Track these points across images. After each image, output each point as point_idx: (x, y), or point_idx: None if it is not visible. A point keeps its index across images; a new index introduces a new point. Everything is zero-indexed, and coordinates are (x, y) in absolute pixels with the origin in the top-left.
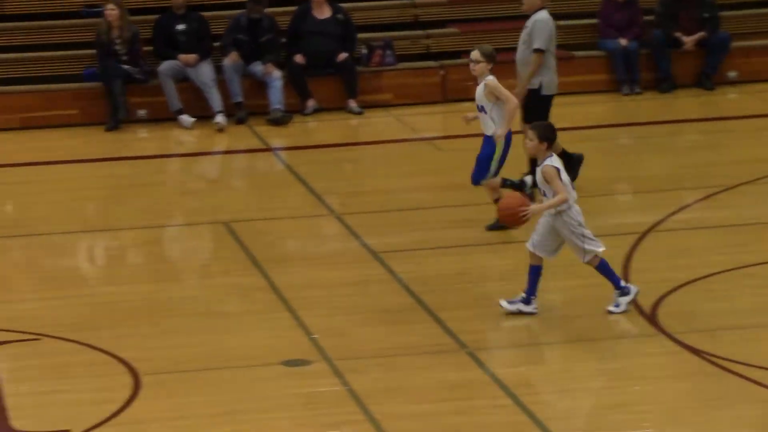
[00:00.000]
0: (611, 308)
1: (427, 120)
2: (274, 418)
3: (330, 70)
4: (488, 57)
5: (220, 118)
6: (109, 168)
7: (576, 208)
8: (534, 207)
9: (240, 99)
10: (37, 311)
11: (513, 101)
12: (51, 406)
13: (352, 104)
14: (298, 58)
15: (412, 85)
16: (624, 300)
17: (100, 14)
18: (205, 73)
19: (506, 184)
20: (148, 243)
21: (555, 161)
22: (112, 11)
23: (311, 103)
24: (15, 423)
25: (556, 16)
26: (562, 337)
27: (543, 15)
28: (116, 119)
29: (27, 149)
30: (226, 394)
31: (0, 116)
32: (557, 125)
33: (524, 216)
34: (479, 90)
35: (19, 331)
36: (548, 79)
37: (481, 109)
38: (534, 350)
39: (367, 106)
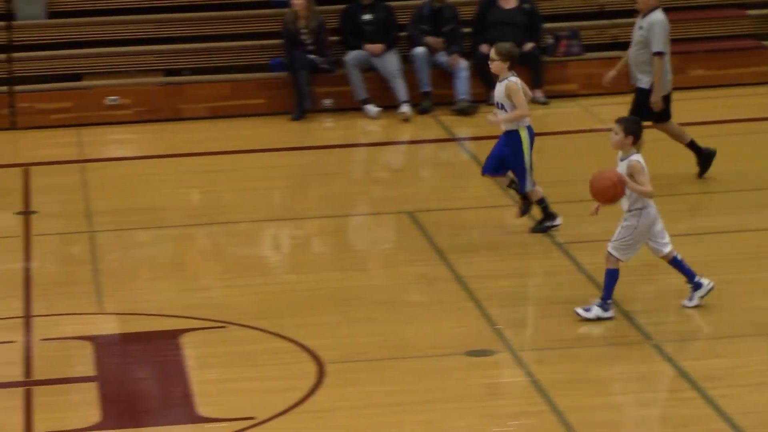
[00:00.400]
0: (580, 310)
1: (614, 110)
2: (459, 408)
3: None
4: (503, 55)
5: (405, 108)
6: (294, 157)
7: (652, 210)
8: (629, 182)
9: (428, 89)
10: (223, 299)
11: (524, 112)
12: (236, 393)
13: (538, 94)
14: (484, 48)
15: (598, 75)
16: (597, 312)
17: (287, 4)
18: (391, 62)
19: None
20: (332, 232)
21: (641, 158)
22: (298, 1)
23: None
24: (200, 410)
25: (746, 5)
26: (748, 330)
27: (659, 16)
28: (302, 109)
29: (215, 138)
30: (410, 383)
31: (189, 105)
32: (741, 116)
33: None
34: (499, 88)
35: (205, 318)
36: (662, 79)
37: (501, 107)
38: (720, 343)
39: (552, 96)
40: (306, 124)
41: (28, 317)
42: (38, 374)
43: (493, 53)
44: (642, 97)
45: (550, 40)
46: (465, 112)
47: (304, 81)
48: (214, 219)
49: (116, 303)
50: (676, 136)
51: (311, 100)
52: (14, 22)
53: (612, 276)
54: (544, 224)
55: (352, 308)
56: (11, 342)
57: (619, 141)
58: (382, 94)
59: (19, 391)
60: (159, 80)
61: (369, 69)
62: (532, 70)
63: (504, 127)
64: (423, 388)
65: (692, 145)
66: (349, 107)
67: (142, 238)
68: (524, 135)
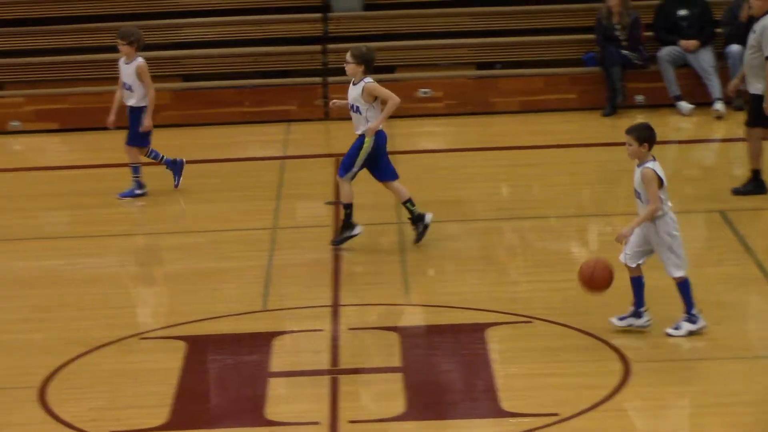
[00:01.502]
0: (671, 330)
1: None
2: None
3: None
4: (358, 58)
5: (719, 105)
6: (604, 153)
7: (671, 216)
8: (625, 229)
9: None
10: (529, 294)
11: (395, 99)
12: (540, 389)
13: None
14: None
15: None
16: (687, 327)
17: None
18: (705, 59)
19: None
20: None
21: (657, 166)
22: None
23: None
24: (504, 404)
25: None
26: None
27: None
28: (613, 104)
29: (526, 132)
30: (716, 385)
31: (501, 99)
32: None
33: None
34: (354, 91)
35: (511, 313)
36: None
37: (356, 109)
38: None
39: None
40: (617, 119)
41: (336, 306)
42: (344, 363)
43: (347, 56)
44: (756, 102)
45: None
46: None
47: (616, 77)
48: (522, 213)
49: (422, 295)
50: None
51: (623, 96)
52: (330, 14)
53: (682, 287)
54: (344, 234)
55: (659, 307)
56: (319, 330)
57: (634, 151)
58: (695, 90)
59: (326, 379)
60: (471, 73)
61: (683, 65)
62: None
63: (358, 132)
64: (729, 390)
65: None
66: (662, 103)
67: (449, 230)
68: (369, 142)
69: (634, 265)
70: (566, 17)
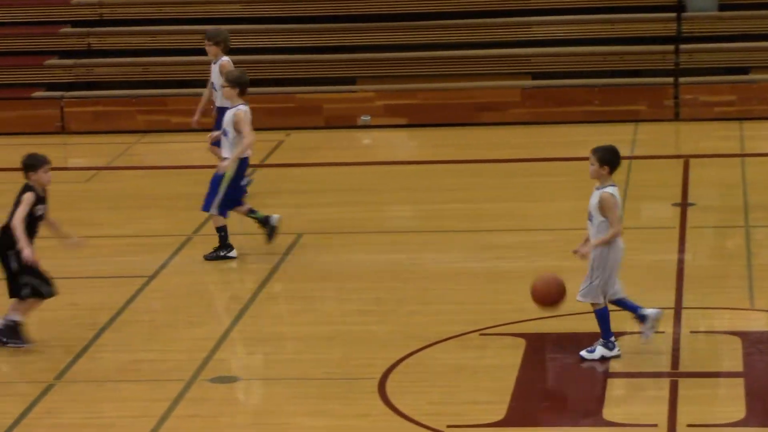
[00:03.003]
0: (584, 353)
1: None
2: None
3: None
4: (232, 82)
5: None
6: None
7: (621, 243)
8: (584, 249)
9: None
10: None
11: (250, 139)
12: None
13: None
14: None
15: None
16: (601, 352)
17: None
18: None
19: (253, 215)
20: None
21: (616, 191)
22: None
23: None
24: None
25: None
26: None
27: None
28: None
29: None
30: None
31: None
32: None
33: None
34: (228, 115)
35: None
36: None
37: (225, 133)
38: None
39: None
40: None
41: (678, 309)
42: (685, 366)
43: (223, 80)
44: None
45: None
46: None
47: None
48: None
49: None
50: None
51: None
52: (685, 14)
53: (599, 315)
54: (219, 253)
55: None
56: (662, 332)
57: (595, 171)
58: None
59: (666, 382)
60: None
61: None
62: None
63: (224, 153)
64: None
65: None
66: None
67: None
68: (233, 166)
69: (610, 296)
70: None
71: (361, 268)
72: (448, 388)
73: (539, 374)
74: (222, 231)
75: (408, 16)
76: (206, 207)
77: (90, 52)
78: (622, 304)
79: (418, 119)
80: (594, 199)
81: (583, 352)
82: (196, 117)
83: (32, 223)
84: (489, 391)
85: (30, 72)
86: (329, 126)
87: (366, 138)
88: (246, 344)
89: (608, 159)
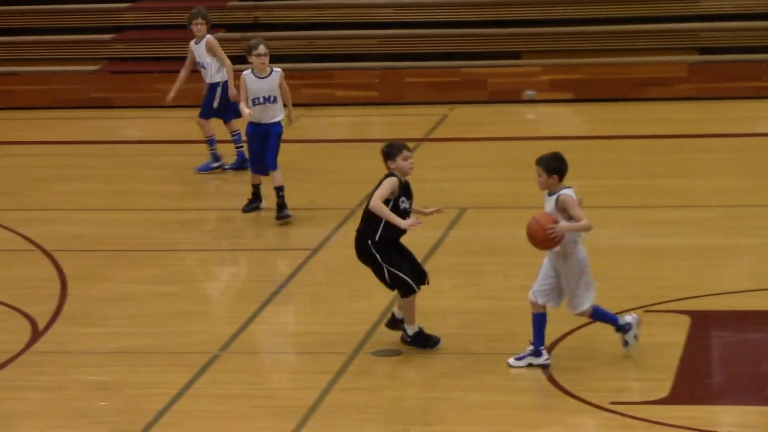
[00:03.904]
0: (512, 360)
1: None
2: None
3: None
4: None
5: None
6: None
7: (583, 249)
8: (562, 225)
9: None
10: None
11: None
12: None
13: None
14: None
15: None
16: (530, 360)
17: None
18: None
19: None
20: None
21: (572, 191)
22: None
23: None
24: None
25: None
26: None
27: None
28: None
29: None
30: None
31: None
32: None
33: (552, 236)
34: (273, 80)
35: None
36: None
37: (274, 99)
38: None
39: None
40: None
41: None
42: None
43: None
44: None
45: None
46: None
47: None
48: None
49: None
50: None
51: None
52: None
53: (536, 319)
54: (286, 211)
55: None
56: None
57: (543, 182)
58: None
59: None
60: None
61: None
62: None
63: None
64: None
65: None
66: None
67: None
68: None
69: (541, 302)
70: None
71: (524, 242)
72: (611, 364)
73: (704, 352)
74: (282, 190)
75: None
76: (273, 165)
77: (256, 26)
78: (536, 320)
79: (583, 94)
80: (550, 205)
81: (510, 360)
82: (171, 94)
83: (397, 213)
84: (653, 369)
85: None
86: (493, 100)
87: (530, 113)
88: None
89: (555, 168)
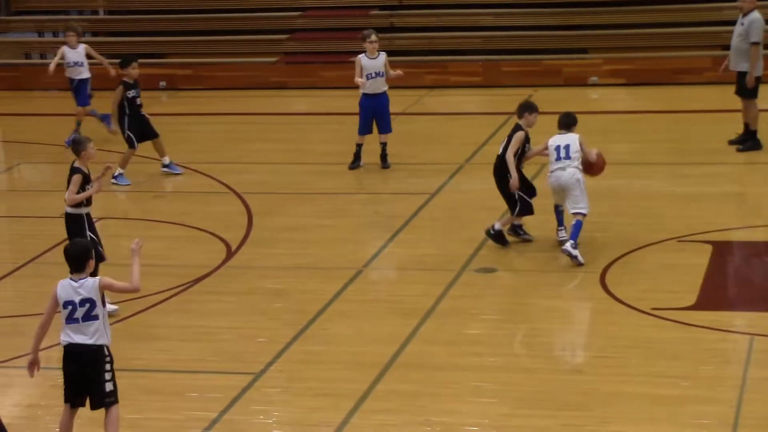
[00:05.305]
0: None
1: None
2: None
3: None
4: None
5: None
6: None
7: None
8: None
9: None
10: None
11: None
12: None
13: None
14: None
15: None
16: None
17: None
18: None
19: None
20: None
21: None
22: None
23: None
24: None
25: None
26: None
27: (756, 15)
28: None
29: None
30: None
31: None
32: None
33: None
34: (381, 59)
35: None
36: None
37: (382, 74)
38: None
39: None
40: None
41: None
42: None
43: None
44: (744, 78)
45: None
46: None
47: None
48: None
49: None
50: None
51: None
52: None
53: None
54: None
55: None
56: None
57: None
58: None
59: None
60: None
61: None
62: None
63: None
64: None
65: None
66: None
67: None
68: None
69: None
70: None
71: (589, 190)
72: (653, 281)
73: (724, 270)
74: (386, 146)
75: (626, 2)
76: (389, 128)
77: (392, 29)
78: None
79: (634, 80)
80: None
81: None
82: (51, 67)
83: (523, 155)
84: (684, 283)
85: (348, 43)
86: (567, 84)
87: (594, 94)
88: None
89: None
